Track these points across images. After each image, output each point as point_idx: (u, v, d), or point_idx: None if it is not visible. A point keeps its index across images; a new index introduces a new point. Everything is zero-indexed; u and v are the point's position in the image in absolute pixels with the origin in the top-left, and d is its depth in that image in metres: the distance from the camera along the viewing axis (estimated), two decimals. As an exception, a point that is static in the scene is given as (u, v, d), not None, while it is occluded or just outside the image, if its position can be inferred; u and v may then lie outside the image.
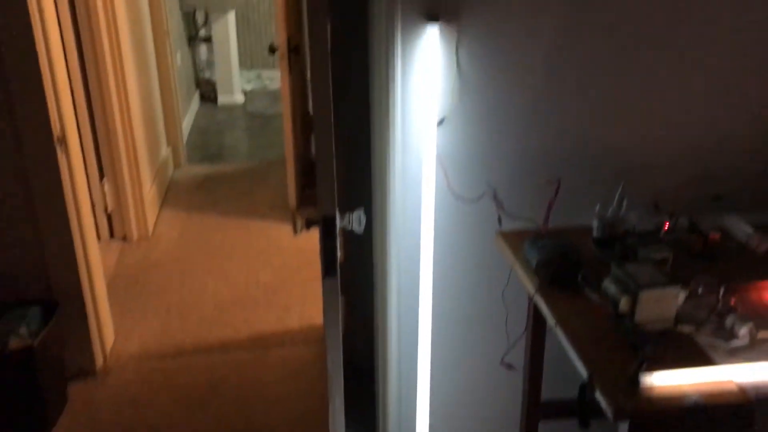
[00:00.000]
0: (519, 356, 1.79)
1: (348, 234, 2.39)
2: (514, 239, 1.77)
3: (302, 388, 2.60)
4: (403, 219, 1.86)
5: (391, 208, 1.85)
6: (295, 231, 1.66)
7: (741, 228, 1.75)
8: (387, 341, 2.00)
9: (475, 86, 1.78)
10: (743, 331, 1.37)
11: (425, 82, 1.75)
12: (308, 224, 1.67)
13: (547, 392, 1.88)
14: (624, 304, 1.39)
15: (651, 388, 1.26)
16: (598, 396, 1.26)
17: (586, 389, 1.31)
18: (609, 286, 1.44)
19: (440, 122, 1.78)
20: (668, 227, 1.69)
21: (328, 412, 1.72)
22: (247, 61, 6.51)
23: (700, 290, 1.50)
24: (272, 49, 3.67)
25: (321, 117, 1.52)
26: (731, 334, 1.39)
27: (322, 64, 1.47)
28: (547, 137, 1.85)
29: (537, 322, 1.78)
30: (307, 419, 2.45)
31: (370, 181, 1.95)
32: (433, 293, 1.85)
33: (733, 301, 1.48)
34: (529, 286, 1.61)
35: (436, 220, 1.82)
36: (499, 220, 1.86)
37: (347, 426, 2.27)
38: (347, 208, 1.75)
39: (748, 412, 1.23)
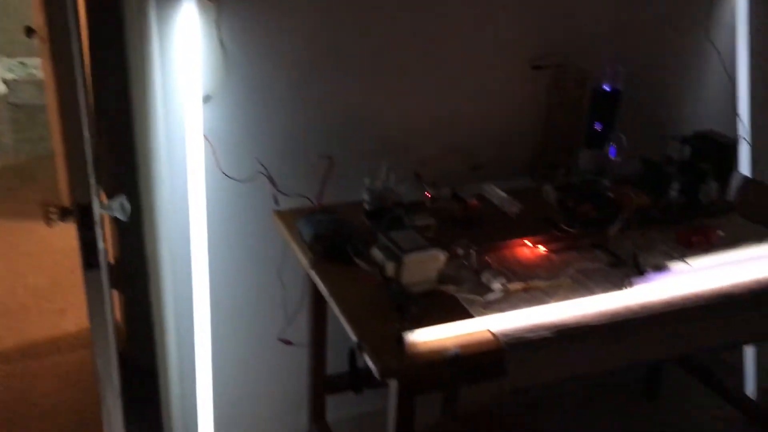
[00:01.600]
0: (302, 332, 1.80)
1: (122, 224, 2.24)
2: (289, 217, 1.76)
3: (78, 397, 2.40)
4: (172, 203, 1.77)
5: (158, 193, 1.76)
6: (47, 222, 1.51)
7: (496, 194, 1.89)
8: (164, 333, 1.91)
9: (240, 63, 1.75)
10: (496, 285, 1.49)
11: (187, 59, 1.67)
12: (63, 214, 1.53)
13: (336, 367, 1.90)
14: (390, 269, 1.45)
15: (415, 345, 1.31)
16: (367, 359, 1.30)
17: (355, 354, 1.34)
18: (376, 253, 1.49)
19: (205, 100, 1.72)
20: (431, 196, 1.78)
21: (101, 414, 1.61)
22: (6, 48, 5.86)
23: (460, 252, 1.60)
24: (29, 32, 3.33)
25: (67, 97, 1.41)
26: (487, 289, 1.49)
27: (62, 39, 1.36)
28: (316, 113, 1.86)
29: (317, 297, 1.79)
30: (84, 429, 2.27)
31: (135, 165, 1.84)
32: (210, 279, 1.79)
33: (488, 260, 1.60)
34: (304, 261, 1.61)
35: (208, 203, 1.76)
36: (275, 200, 1.85)
37: (129, 428, 2.14)
38: (111, 194, 1.63)
39: (500, 355, 1.33)
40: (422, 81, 1.95)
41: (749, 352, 2.48)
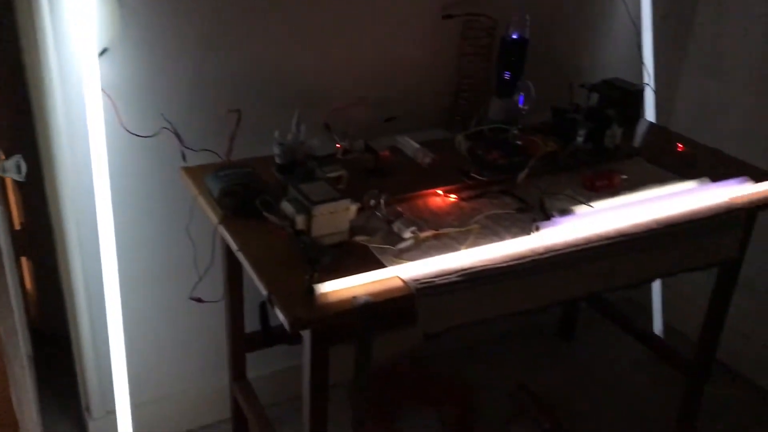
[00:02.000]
0: (216, 290, 1.77)
1: (26, 188, 2.15)
2: (198, 173, 1.72)
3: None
4: (74, 162, 1.70)
5: (57, 152, 1.68)
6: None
7: (410, 145, 1.89)
8: (74, 299, 1.85)
9: (139, 12, 1.67)
10: (407, 233, 1.50)
11: (79, 9, 1.58)
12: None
13: (255, 324, 1.89)
14: (300, 221, 1.43)
15: (325, 296, 1.31)
16: (278, 311, 1.29)
17: (266, 308, 1.33)
18: (286, 206, 1.47)
19: (102, 53, 1.64)
20: (344, 148, 1.76)
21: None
22: None
23: (372, 203, 1.60)
24: None
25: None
26: (399, 238, 1.50)
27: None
28: (224, 65, 1.81)
29: (230, 254, 1.77)
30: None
31: (32, 124, 1.75)
32: (117, 240, 1.73)
33: (400, 209, 1.61)
34: (213, 218, 1.58)
35: (110, 161, 1.70)
36: (183, 156, 1.79)
37: (44, 399, 2.08)
38: (7, 154, 1.55)
39: (410, 301, 1.35)
40: (333, 31, 1.92)
41: (656, 291, 2.60)
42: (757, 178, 1.83)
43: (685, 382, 2.19)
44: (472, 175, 1.77)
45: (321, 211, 1.43)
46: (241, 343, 1.96)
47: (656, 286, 2.60)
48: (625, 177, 1.80)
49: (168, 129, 1.74)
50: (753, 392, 2.45)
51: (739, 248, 1.80)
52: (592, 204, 1.65)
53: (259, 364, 2.12)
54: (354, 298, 1.31)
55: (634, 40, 2.34)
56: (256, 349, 1.96)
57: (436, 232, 1.53)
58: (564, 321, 2.66)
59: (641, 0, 2.29)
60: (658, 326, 2.63)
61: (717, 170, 1.85)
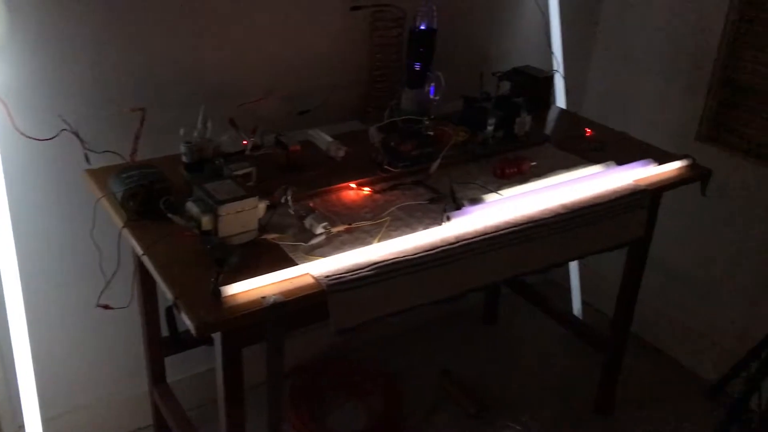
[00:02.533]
0: (125, 295, 1.72)
1: None
2: (101, 175, 1.66)
3: None
4: (-35, 169, 1.61)
5: (-54, 159, 1.59)
6: None
7: (322, 138, 1.88)
8: (-26, 311, 1.76)
9: (27, 9, 1.59)
10: (319, 229, 1.49)
11: (-38, 7, 1.50)
12: None
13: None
14: (206, 222, 1.40)
15: (233, 298, 1.29)
16: (184, 317, 1.26)
17: (173, 313, 1.30)
18: (191, 207, 1.43)
19: (-11, 53, 1.56)
20: (255, 144, 1.73)
21: None
22: None
23: (283, 199, 1.57)
24: None
25: None
26: (311, 234, 1.49)
27: None
28: (125, 62, 1.74)
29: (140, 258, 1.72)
30: None
31: None
32: (17, 248, 1.65)
33: (312, 205, 1.59)
34: (117, 221, 1.53)
35: (5, 166, 1.62)
36: (86, 158, 1.73)
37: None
38: None
39: (322, 298, 1.34)
40: (238, 23, 1.88)
41: (574, 271, 2.68)
42: (661, 160, 1.89)
43: (603, 358, 2.26)
44: (386, 167, 1.77)
45: (227, 210, 1.40)
46: (158, 348, 1.91)
47: (574, 266, 2.67)
48: (534, 163, 1.84)
49: (68, 131, 1.67)
50: (667, 364, 2.56)
51: (645, 228, 1.86)
52: (501, 192, 1.67)
53: (179, 367, 2.07)
54: (263, 298, 1.29)
55: (543, 27, 2.38)
56: (173, 353, 1.92)
57: (349, 226, 1.53)
58: (487, 305, 2.70)
59: (548, -12, 2.33)
60: (577, 305, 2.71)
61: (623, 154, 1.91)
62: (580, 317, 2.69)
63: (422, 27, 1.88)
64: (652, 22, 2.40)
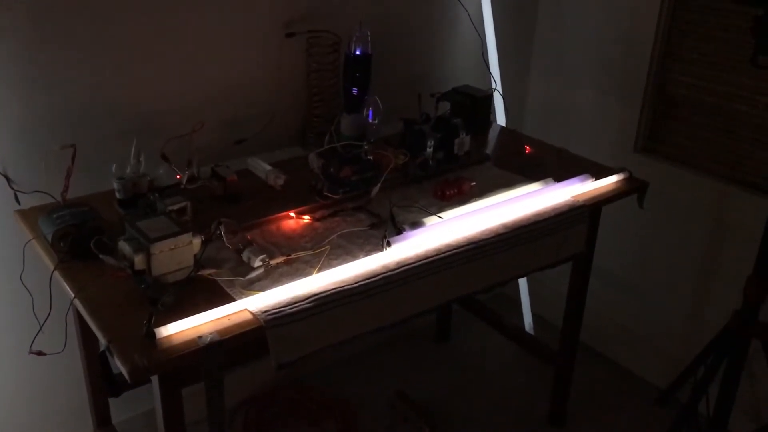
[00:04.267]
0: (61, 339, 1.67)
1: None
2: (32, 216, 1.61)
3: None
4: None
5: None
6: None
7: (261, 167, 1.86)
8: None
9: (-54, 50, 1.55)
10: (257, 262, 1.46)
11: None
12: None
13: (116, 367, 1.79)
14: (139, 261, 1.37)
15: (168, 339, 1.26)
16: (117, 361, 1.22)
17: (107, 357, 1.26)
18: (124, 246, 1.40)
19: None
20: (190, 176, 1.71)
21: None
22: None
23: (220, 232, 1.55)
24: None
25: None
26: (249, 268, 1.47)
27: None
28: (53, 98, 1.70)
29: (76, 299, 1.67)
30: None
31: None
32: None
33: (250, 237, 1.57)
34: (48, 263, 1.48)
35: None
36: (16, 198, 1.68)
37: None
38: None
39: (260, 334, 1.31)
40: (167, 54, 1.85)
41: (523, 285, 2.70)
42: (598, 174, 1.92)
43: (554, 371, 2.28)
44: (326, 193, 1.76)
45: (160, 248, 1.37)
46: (101, 390, 1.86)
47: (522, 280, 2.69)
48: (474, 183, 1.85)
49: (-3, 171, 1.62)
50: (619, 372, 2.59)
51: (586, 243, 1.89)
52: (442, 215, 1.67)
53: (124, 407, 2.01)
54: (199, 338, 1.26)
55: (480, 47, 2.41)
56: (114, 396, 1.86)
57: (288, 257, 1.51)
58: (439, 323, 2.70)
59: (483, 9, 2.36)
60: (528, 318, 2.73)
61: (562, 170, 1.93)
62: (532, 330, 2.71)
63: (357, 52, 1.89)
64: (586, 37, 2.45)
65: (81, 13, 1.68)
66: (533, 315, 2.73)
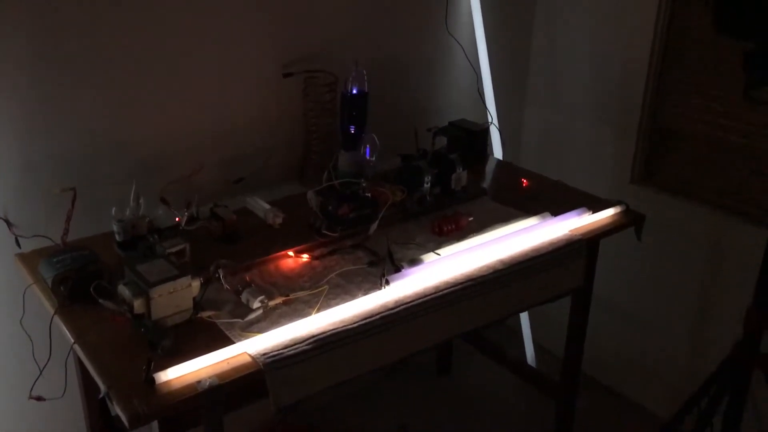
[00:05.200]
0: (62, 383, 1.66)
1: None
2: (32, 259, 1.62)
3: None
4: None
5: None
6: None
7: (260, 206, 1.87)
8: None
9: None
10: (256, 303, 1.47)
11: None
12: None
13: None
14: (138, 305, 1.37)
15: (168, 384, 1.26)
16: (116, 407, 1.23)
17: (106, 404, 1.26)
18: (123, 290, 1.41)
19: None
20: (189, 217, 1.72)
21: None
22: None
23: (219, 274, 1.56)
24: None
25: None
26: (247, 309, 1.47)
27: None
28: (53, 141, 1.72)
29: (76, 342, 1.67)
30: None
31: None
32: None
33: (248, 277, 1.58)
34: (48, 307, 1.49)
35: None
36: (17, 242, 1.69)
37: None
38: None
39: (260, 377, 1.31)
40: (171, 97, 1.88)
41: (524, 315, 2.69)
42: (595, 207, 1.93)
43: (555, 403, 2.27)
44: (324, 231, 1.77)
45: (159, 291, 1.38)
46: (103, 432, 1.85)
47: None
48: (471, 219, 1.86)
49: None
50: (622, 403, 2.57)
51: (584, 277, 1.89)
52: (440, 251, 1.68)
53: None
54: (198, 382, 1.26)
55: (476, 81, 2.43)
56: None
57: (287, 297, 1.51)
58: (440, 356, 2.69)
59: (477, 43, 2.39)
60: (529, 349, 2.72)
61: (559, 203, 1.94)
62: (534, 362, 2.70)
63: (354, 91, 1.91)
64: (580, 70, 2.48)
65: (82, 56, 1.71)
66: (535, 345, 2.72)
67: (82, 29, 1.69)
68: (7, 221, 1.65)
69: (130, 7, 1.74)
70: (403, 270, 1.60)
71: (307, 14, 2.04)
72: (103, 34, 1.72)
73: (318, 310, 1.48)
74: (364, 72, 1.92)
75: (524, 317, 2.69)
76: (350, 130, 1.95)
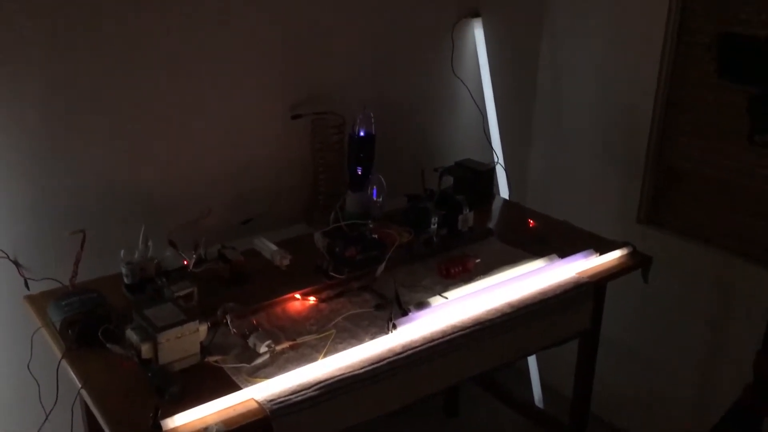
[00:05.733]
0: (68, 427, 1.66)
1: None
2: (41, 302, 1.63)
3: None
4: None
5: None
6: None
7: (267, 247, 1.88)
8: None
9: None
10: (263, 348, 1.47)
11: None
12: None
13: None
14: (146, 350, 1.38)
15: (174, 431, 1.26)
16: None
17: (112, 450, 1.25)
18: (131, 335, 1.41)
19: None
20: (197, 258, 1.72)
21: None
22: None
23: (227, 318, 1.56)
24: None
25: None
26: (255, 354, 1.47)
27: None
28: (62, 184, 1.74)
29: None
30: None
31: None
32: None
33: (255, 320, 1.58)
34: (56, 351, 1.49)
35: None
36: (26, 284, 1.70)
37: None
38: None
39: (266, 423, 1.31)
40: (181, 140, 1.90)
41: (531, 356, 2.68)
42: (602, 249, 1.93)
43: (564, 446, 2.24)
44: (331, 273, 1.77)
45: (167, 336, 1.38)
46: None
47: (531, 351, 2.67)
48: (478, 260, 1.86)
49: (6, 258, 1.64)
50: (631, 445, 2.54)
51: (591, 320, 1.88)
52: (447, 294, 1.68)
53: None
54: (205, 429, 1.26)
55: (481, 122, 2.45)
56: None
57: (294, 342, 1.51)
58: (447, 397, 2.67)
59: (483, 84, 2.42)
60: (537, 389, 2.70)
61: (566, 244, 1.94)
62: (541, 402, 2.67)
63: (361, 133, 1.93)
64: (585, 111, 2.50)
65: (93, 99, 1.74)
66: (542, 384, 2.69)
67: (95, 73, 1.72)
68: (16, 263, 1.66)
69: (142, 51, 1.77)
70: (410, 314, 1.59)
71: (315, 57, 2.07)
72: (115, 77, 1.75)
73: (325, 355, 1.47)
74: (372, 114, 1.94)
75: (531, 357, 2.67)
76: (357, 172, 1.97)
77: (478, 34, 2.37)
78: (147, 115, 1.83)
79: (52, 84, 1.67)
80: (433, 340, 1.55)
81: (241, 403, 1.34)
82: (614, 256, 1.93)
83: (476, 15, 2.36)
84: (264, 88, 2.01)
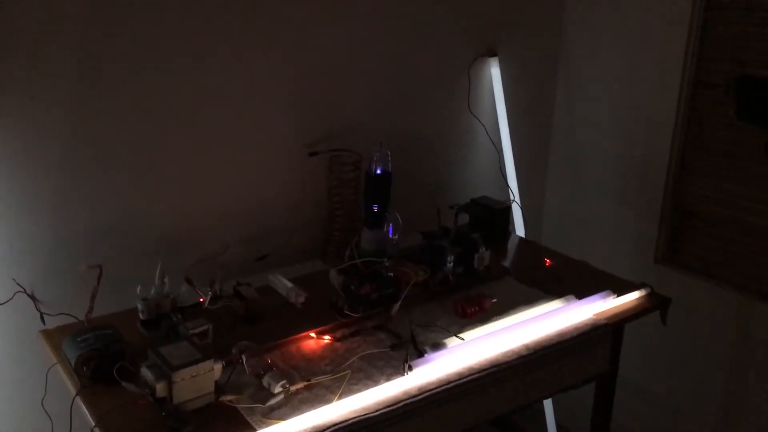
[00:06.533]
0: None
1: None
2: (57, 336, 1.63)
3: None
4: None
5: None
6: None
7: (282, 284, 1.87)
8: None
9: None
10: (278, 388, 1.46)
11: None
12: None
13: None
14: (161, 388, 1.37)
15: (186, 474, 1.24)
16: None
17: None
18: (146, 373, 1.40)
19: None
20: (213, 295, 1.72)
21: None
22: None
23: (242, 357, 1.55)
24: None
25: None
26: (269, 394, 1.46)
27: None
28: (80, 220, 1.75)
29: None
30: None
31: None
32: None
33: (270, 359, 1.57)
34: (71, 388, 1.49)
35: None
36: (42, 319, 1.70)
37: None
38: None
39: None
40: (199, 176, 1.92)
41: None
42: (620, 291, 1.91)
43: (581, 491, 2.19)
44: (346, 312, 1.76)
45: (182, 375, 1.37)
46: None
47: (546, 391, 2.63)
48: (495, 300, 1.84)
49: (23, 292, 1.65)
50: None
51: (609, 362, 1.86)
52: (463, 335, 1.66)
53: None
54: (218, 471, 1.25)
55: (498, 160, 2.46)
56: None
57: (308, 382, 1.50)
58: (461, 436, 2.63)
59: (499, 122, 2.43)
60: (552, 431, 2.65)
61: (583, 285, 1.92)
62: (557, 445, 2.63)
63: (378, 171, 1.94)
64: (602, 149, 2.50)
65: (112, 135, 1.76)
66: (558, 426, 2.65)
67: (115, 109, 1.75)
68: (33, 297, 1.67)
69: (161, 89, 1.80)
70: (426, 355, 1.58)
71: (333, 95, 2.09)
72: (135, 113, 1.78)
73: (339, 397, 1.46)
74: (388, 152, 1.95)
75: (547, 401, 2.64)
76: (373, 209, 1.97)
77: (494, 72, 2.39)
78: (165, 154, 1.85)
79: (76, 123, 1.70)
80: (449, 383, 1.53)
81: (255, 445, 1.33)
82: (632, 297, 1.91)
83: (493, 54, 2.38)
84: (281, 127, 2.02)
